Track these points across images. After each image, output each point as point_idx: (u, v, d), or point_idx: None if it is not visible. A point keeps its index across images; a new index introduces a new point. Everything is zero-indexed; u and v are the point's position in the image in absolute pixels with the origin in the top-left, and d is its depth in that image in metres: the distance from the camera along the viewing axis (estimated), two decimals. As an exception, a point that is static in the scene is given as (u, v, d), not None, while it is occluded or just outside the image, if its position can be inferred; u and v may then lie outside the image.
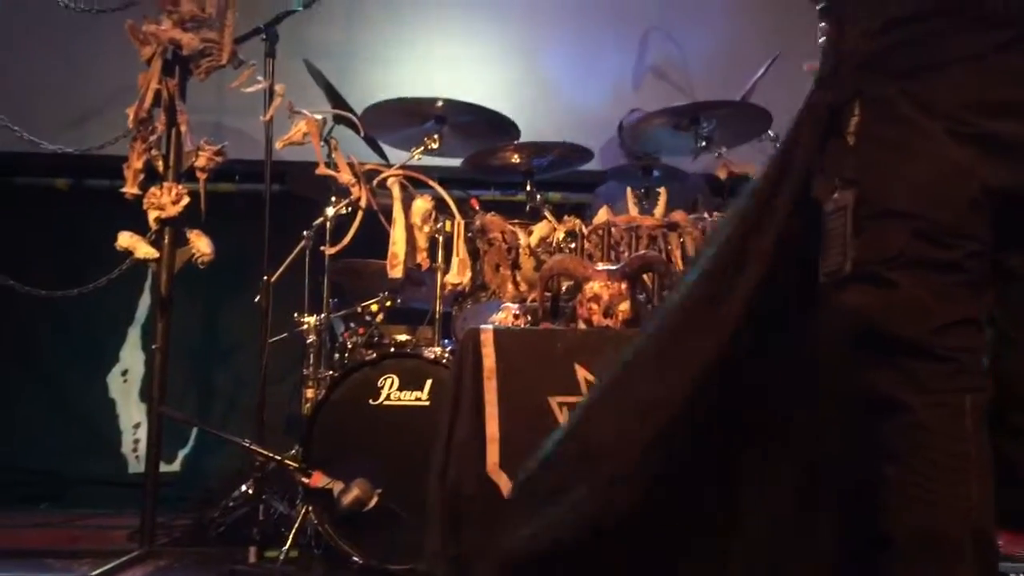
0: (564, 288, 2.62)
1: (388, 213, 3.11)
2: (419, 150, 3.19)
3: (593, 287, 2.41)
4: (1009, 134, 1.45)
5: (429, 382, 2.90)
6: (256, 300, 3.34)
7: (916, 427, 1.48)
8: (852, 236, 1.52)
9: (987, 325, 1.52)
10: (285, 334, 3.41)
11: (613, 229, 2.65)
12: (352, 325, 3.57)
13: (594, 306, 2.39)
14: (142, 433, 4.23)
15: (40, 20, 4.11)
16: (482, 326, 2.40)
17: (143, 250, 3.05)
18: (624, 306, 2.39)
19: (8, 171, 4.45)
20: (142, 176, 3.10)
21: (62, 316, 4.26)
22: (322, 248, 3.29)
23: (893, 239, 1.49)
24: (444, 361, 2.90)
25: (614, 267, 2.45)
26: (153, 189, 3.09)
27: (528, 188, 3.22)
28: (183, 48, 3.06)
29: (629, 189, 3.00)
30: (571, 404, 2.28)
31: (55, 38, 4.21)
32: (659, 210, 2.87)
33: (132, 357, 4.40)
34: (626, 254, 2.58)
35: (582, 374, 2.30)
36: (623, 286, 2.40)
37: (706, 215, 2.69)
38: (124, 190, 3.07)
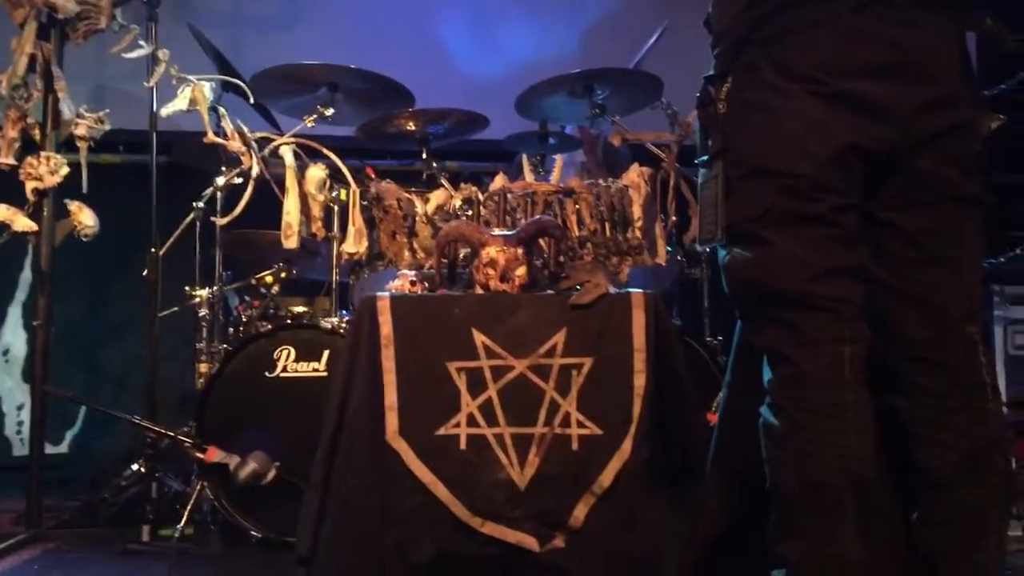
0: (462, 255, 2.61)
1: (281, 182, 3.05)
2: (311, 118, 3.13)
3: (490, 252, 2.40)
4: (864, 92, 1.52)
5: (327, 352, 2.87)
6: (144, 274, 3.24)
7: (797, 379, 1.54)
8: (723, 202, 1.57)
9: (862, 278, 1.58)
10: (176, 308, 3.32)
11: (509, 195, 2.65)
12: (247, 298, 3.50)
13: (491, 271, 2.39)
14: (26, 415, 4.06)
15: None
16: (378, 293, 2.38)
17: (21, 223, 2.93)
18: (520, 271, 2.40)
19: None
20: (17, 145, 2.97)
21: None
22: (212, 219, 3.21)
23: (761, 197, 1.54)
24: (341, 331, 2.87)
25: (510, 232, 2.45)
26: (29, 159, 2.97)
27: (424, 156, 3.19)
28: (58, 11, 2.94)
29: (524, 156, 3.01)
30: (469, 368, 2.29)
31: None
32: (555, 176, 2.89)
33: (13, 335, 4.21)
34: (522, 220, 2.58)
35: (480, 339, 2.31)
36: (519, 251, 2.41)
37: (600, 181, 2.72)
38: (-3, 160, 2.93)
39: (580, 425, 2.26)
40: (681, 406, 2.33)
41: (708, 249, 1.63)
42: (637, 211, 2.68)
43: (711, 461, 1.92)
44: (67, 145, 3.10)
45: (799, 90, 1.52)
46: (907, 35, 1.51)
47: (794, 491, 1.52)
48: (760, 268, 1.56)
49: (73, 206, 3.02)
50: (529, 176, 2.85)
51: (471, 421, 2.27)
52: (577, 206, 2.66)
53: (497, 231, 2.48)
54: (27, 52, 2.93)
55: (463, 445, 2.26)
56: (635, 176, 2.71)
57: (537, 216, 2.57)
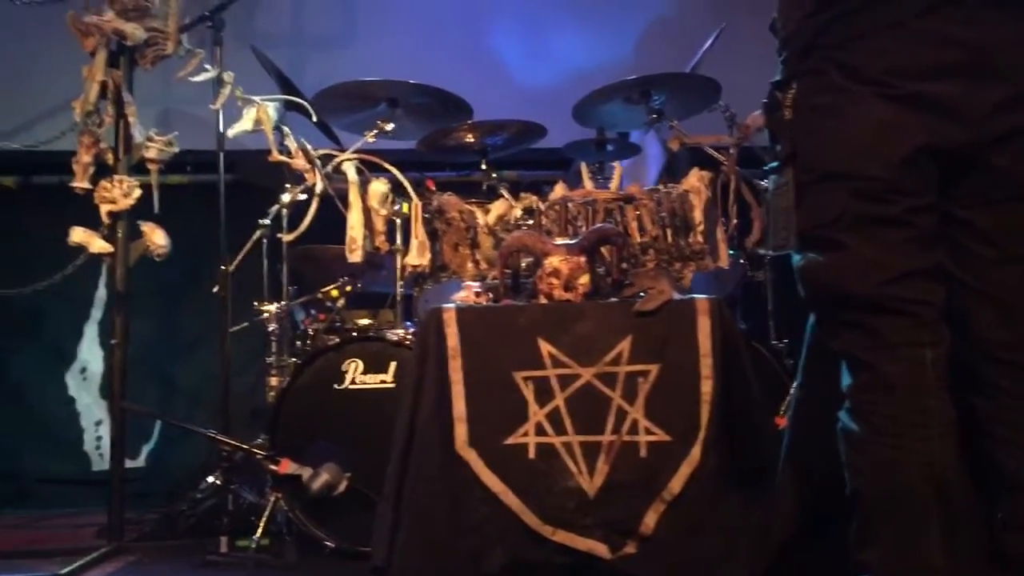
0: (524, 265, 2.63)
1: (344, 198, 3.10)
2: (372, 133, 3.18)
3: (552, 262, 2.42)
4: (937, 93, 1.50)
5: (393, 364, 2.91)
6: (215, 290, 3.32)
7: (877, 384, 1.52)
8: (795, 207, 1.57)
9: (941, 278, 1.56)
10: (246, 323, 3.39)
11: (570, 204, 2.67)
12: (313, 311, 3.57)
13: (554, 280, 2.41)
14: (104, 430, 4.19)
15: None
16: (444, 305, 2.41)
17: (97, 245, 3.02)
18: (583, 279, 2.41)
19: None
20: (92, 170, 3.06)
21: (16, 316, 4.19)
22: (279, 235, 3.28)
23: (833, 201, 1.54)
24: (407, 343, 2.91)
25: (572, 241, 2.47)
26: (103, 183, 3.06)
27: (483, 167, 3.23)
28: (127, 38, 3.02)
29: (583, 164, 3.02)
30: (536, 378, 2.31)
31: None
32: (614, 184, 2.89)
33: (90, 354, 4.34)
34: (584, 229, 2.60)
35: (545, 348, 2.33)
36: (582, 259, 2.42)
37: (660, 187, 2.72)
38: (74, 185, 3.03)
39: (648, 432, 2.27)
40: (749, 411, 2.32)
41: (773, 253, 1.62)
42: (698, 215, 2.67)
43: (783, 463, 1.91)
44: (138, 168, 3.19)
45: (869, 93, 1.51)
46: (978, 35, 1.50)
47: (876, 498, 1.51)
48: (835, 272, 1.55)
49: (146, 227, 3.11)
50: (588, 184, 2.86)
51: (539, 430, 2.29)
52: (638, 212, 2.67)
53: (559, 240, 2.50)
54: (98, 79, 3.02)
55: (532, 454, 2.28)
56: (695, 180, 2.71)
57: (598, 224, 2.58)
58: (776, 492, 1.97)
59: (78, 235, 3.02)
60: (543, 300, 2.42)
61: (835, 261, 1.55)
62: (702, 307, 2.32)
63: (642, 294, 2.40)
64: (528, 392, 2.31)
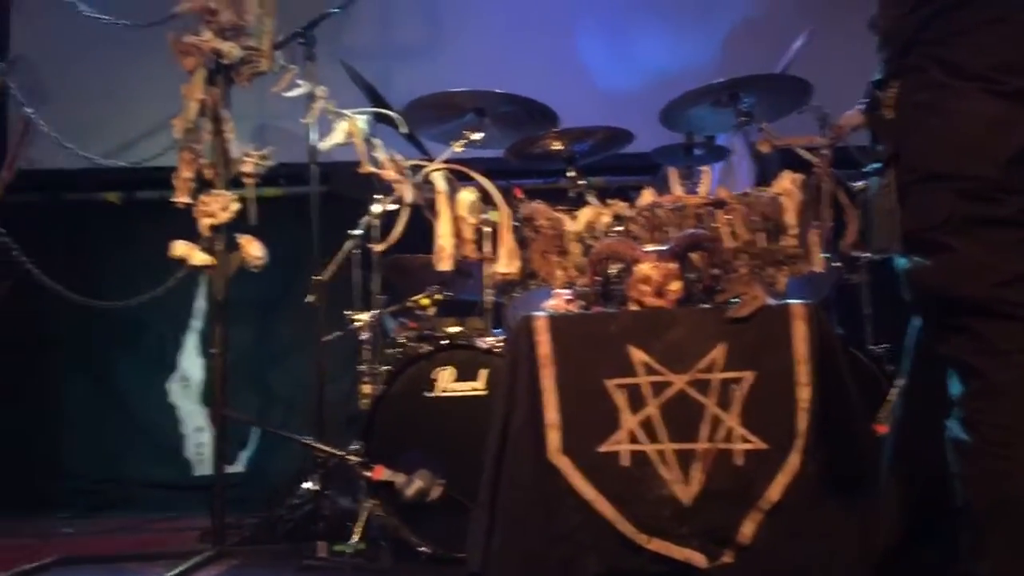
0: (614, 271, 2.62)
1: (433, 207, 3.14)
2: (460, 143, 3.21)
3: (643, 268, 2.41)
4: None
5: (484, 372, 2.94)
6: (308, 300, 3.39)
7: (989, 392, 1.48)
8: (898, 209, 1.53)
9: None
10: (339, 332, 3.45)
11: (659, 210, 2.65)
12: (403, 320, 3.61)
13: (645, 287, 2.40)
14: (204, 437, 4.33)
15: (85, 39, 4.18)
16: (535, 313, 2.42)
17: (198, 257, 3.12)
18: (675, 285, 2.39)
19: (62, 187, 4.55)
20: (192, 185, 3.17)
21: (120, 326, 4.36)
22: (369, 245, 3.33)
23: (939, 202, 1.49)
24: (497, 350, 2.93)
25: (663, 247, 2.45)
26: (203, 197, 3.15)
27: (570, 174, 3.23)
28: (224, 57, 3.12)
29: (671, 168, 3.00)
30: (628, 385, 2.30)
31: (101, 55, 4.30)
32: (703, 188, 2.86)
33: (190, 362, 4.49)
34: (673, 234, 2.58)
35: (637, 355, 2.32)
36: (673, 266, 2.41)
37: (751, 190, 2.68)
38: (175, 200, 3.13)
39: (744, 440, 2.24)
40: (848, 417, 2.27)
41: (874, 256, 1.58)
42: (791, 219, 2.62)
43: (887, 470, 1.86)
44: (234, 181, 3.28)
45: (974, 89, 1.47)
46: None
47: (987, 509, 1.47)
48: (943, 275, 1.51)
49: (243, 239, 3.20)
50: (677, 189, 2.83)
51: (632, 438, 2.28)
52: (729, 217, 2.64)
53: (649, 247, 2.48)
54: (197, 98, 3.12)
55: (625, 462, 2.27)
56: (787, 183, 2.66)
57: (689, 229, 2.56)
58: (879, 499, 1.93)
59: (180, 248, 3.12)
60: (634, 307, 2.41)
61: (943, 264, 1.50)
62: (797, 312, 2.28)
63: (735, 300, 2.37)
64: (620, 399, 2.30)
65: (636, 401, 2.29)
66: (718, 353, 2.29)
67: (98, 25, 3.80)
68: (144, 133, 4.15)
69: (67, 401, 4.50)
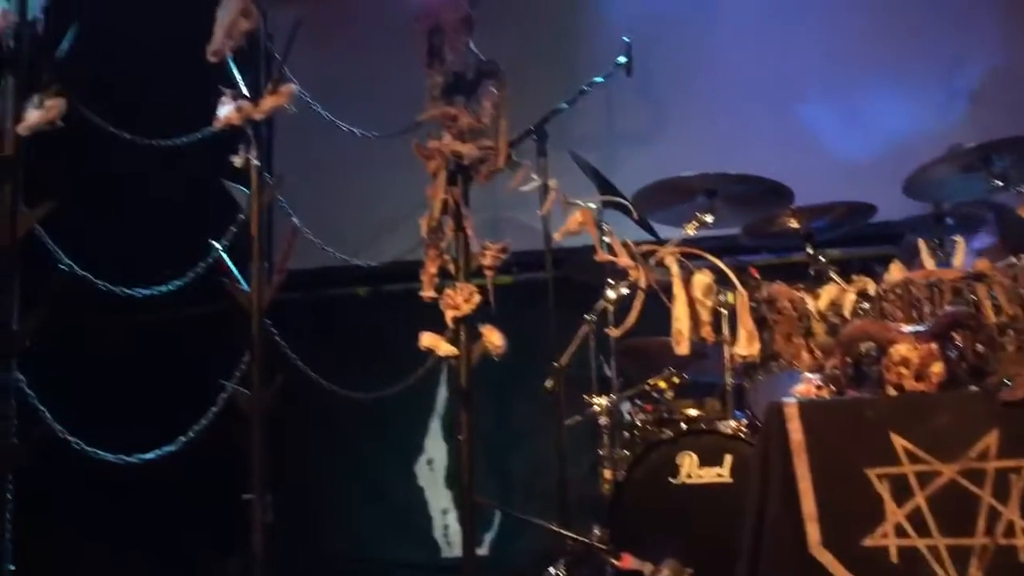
0: (864, 352, 2.51)
1: (668, 290, 3.14)
2: (692, 225, 3.22)
3: (900, 350, 2.30)
4: None
5: (728, 457, 2.88)
6: (547, 384, 3.46)
7: None
8: None
9: None
10: (579, 417, 3.50)
11: (912, 286, 2.53)
12: (638, 402, 3.61)
13: (904, 370, 2.28)
14: (450, 519, 4.48)
15: (337, 151, 4.55)
16: (784, 399, 2.35)
17: (445, 348, 3.27)
18: (937, 367, 2.26)
19: (321, 284, 4.91)
20: (436, 279, 3.34)
21: (369, 414, 4.60)
22: (606, 330, 3.37)
23: None
24: (742, 435, 2.86)
25: (921, 327, 2.33)
26: (448, 291, 3.31)
27: (809, 251, 3.15)
28: (464, 158, 3.30)
29: (921, 240, 2.85)
30: (891, 475, 2.18)
31: (352, 165, 4.66)
32: (958, 260, 2.70)
33: (435, 447, 4.68)
34: (929, 312, 2.44)
35: (900, 443, 2.19)
36: (933, 346, 2.28)
37: (1016, 261, 2.50)
38: (422, 294, 3.31)
39: (1028, 535, 2.06)
40: None
41: None
42: (1064, 291, 2.42)
43: None
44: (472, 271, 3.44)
45: None
46: None
47: None
48: None
49: (484, 329, 3.33)
50: (929, 263, 2.69)
51: (899, 531, 2.15)
52: (991, 291, 2.47)
53: (906, 327, 2.36)
54: (440, 197, 3.31)
55: (894, 557, 2.14)
56: (1057, 251, 2.47)
57: (948, 307, 2.42)
58: None
59: (427, 340, 3.29)
60: (892, 391, 2.29)
61: None
62: (1083, 394, 2.09)
63: (1007, 381, 2.20)
64: (883, 490, 2.18)
65: (901, 492, 2.16)
66: (991, 440, 2.13)
67: (348, 138, 4.13)
68: (387, 230, 4.43)
69: (329, 488, 4.77)
